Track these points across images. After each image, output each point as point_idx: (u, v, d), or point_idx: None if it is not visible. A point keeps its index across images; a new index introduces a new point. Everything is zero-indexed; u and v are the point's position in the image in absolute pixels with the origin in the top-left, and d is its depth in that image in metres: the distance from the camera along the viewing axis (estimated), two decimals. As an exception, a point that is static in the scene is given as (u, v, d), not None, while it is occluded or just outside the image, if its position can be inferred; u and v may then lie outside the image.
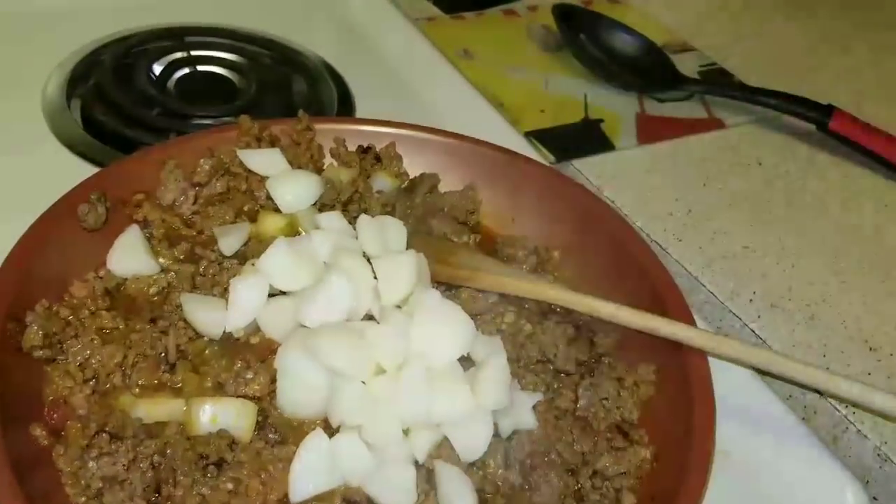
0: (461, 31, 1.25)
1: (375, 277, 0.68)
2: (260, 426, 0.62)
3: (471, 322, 0.66)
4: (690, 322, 0.70)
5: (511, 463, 0.64)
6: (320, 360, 0.60)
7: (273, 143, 0.83)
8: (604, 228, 0.80)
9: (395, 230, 0.76)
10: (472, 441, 0.61)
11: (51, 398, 0.62)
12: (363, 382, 0.62)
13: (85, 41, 1.08)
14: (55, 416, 0.61)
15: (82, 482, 0.57)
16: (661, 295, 0.73)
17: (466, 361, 0.67)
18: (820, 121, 1.07)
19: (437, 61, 1.15)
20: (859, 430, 0.75)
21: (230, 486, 0.57)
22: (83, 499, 0.57)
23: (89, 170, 0.86)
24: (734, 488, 0.68)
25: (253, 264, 0.69)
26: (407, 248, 0.76)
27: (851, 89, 1.20)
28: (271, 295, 0.69)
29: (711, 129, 1.11)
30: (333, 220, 0.76)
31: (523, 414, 0.66)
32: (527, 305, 0.76)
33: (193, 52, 1.08)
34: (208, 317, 0.66)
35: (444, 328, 0.64)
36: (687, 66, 1.22)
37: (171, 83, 1.04)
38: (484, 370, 0.64)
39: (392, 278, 0.68)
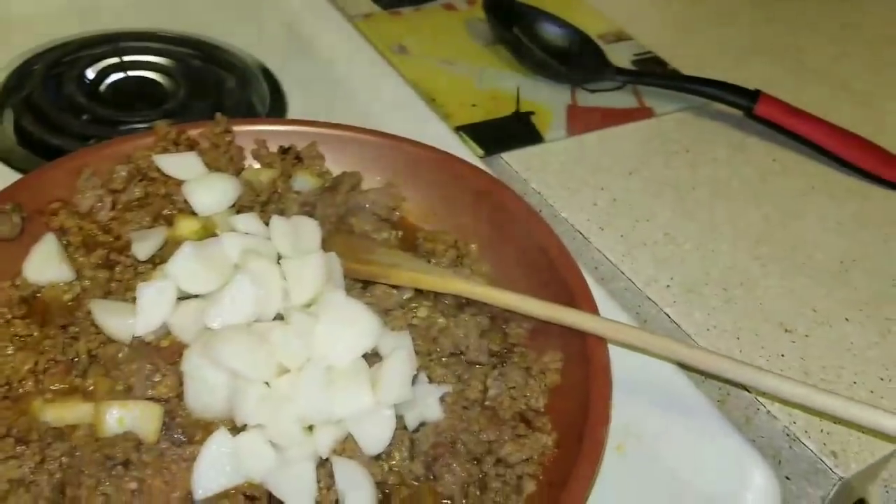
0: (398, 26, 1.26)
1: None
2: (167, 427, 0.64)
3: (376, 319, 0.67)
4: (593, 310, 0.72)
5: (416, 454, 0.65)
6: (219, 362, 0.62)
7: (191, 147, 0.85)
8: (517, 222, 0.81)
9: (308, 230, 0.77)
10: (375, 435, 0.63)
11: (-41, 405, 0.63)
12: (266, 383, 0.63)
13: (19, 51, 1.09)
14: (-37, 423, 0.62)
15: (-11, 486, 0.58)
16: (569, 285, 0.74)
17: (377, 357, 0.68)
18: (747, 106, 1.09)
19: (372, 58, 1.17)
20: (769, 411, 0.77)
21: (133, 485, 0.59)
22: (-10, 503, 0.58)
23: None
24: (645, 472, 0.70)
25: (162, 269, 0.70)
26: (324, 248, 0.78)
27: (786, 75, 1.23)
28: (184, 298, 0.70)
29: (642, 118, 1.13)
30: (248, 221, 0.77)
31: (430, 406, 0.68)
32: (444, 299, 0.78)
33: (126, 58, 1.09)
34: (118, 322, 0.68)
35: (347, 327, 0.66)
36: (622, 55, 1.23)
37: (103, 88, 1.05)
38: (386, 365, 0.65)
39: (300, 279, 0.70)
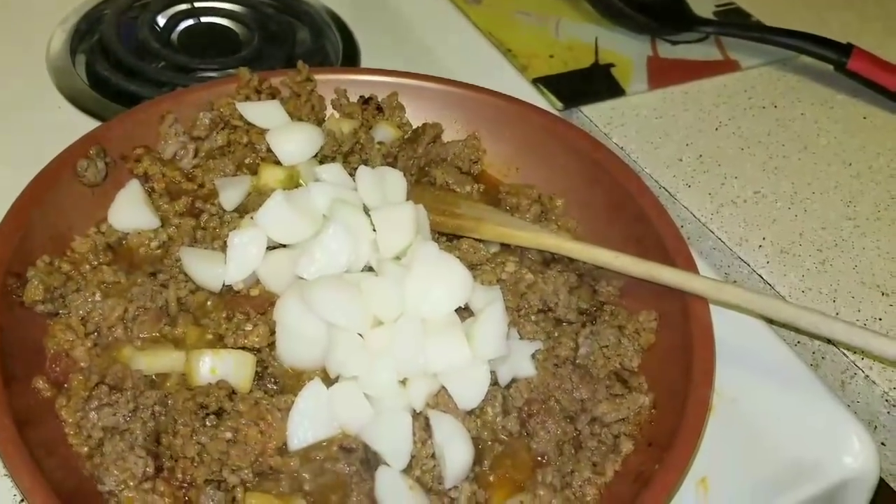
0: (470, -25, 1.22)
1: (374, 229, 0.68)
2: (259, 377, 0.63)
3: (468, 273, 0.65)
4: (693, 269, 0.69)
5: (509, 410, 0.64)
6: (317, 312, 0.60)
7: (273, 95, 0.83)
8: (608, 176, 0.78)
9: (394, 181, 0.75)
10: (469, 390, 0.61)
11: (53, 351, 0.63)
12: (360, 335, 0.62)
13: (88, -4, 1.07)
14: (57, 368, 0.62)
15: (84, 433, 0.58)
16: (664, 242, 0.72)
17: (466, 312, 0.67)
18: (838, 61, 1.04)
19: (445, 8, 1.14)
20: (867, 376, 0.75)
21: (229, 434, 0.58)
22: (85, 449, 0.58)
23: (94, 125, 0.86)
24: (741, 435, 0.68)
25: (252, 218, 0.69)
26: (408, 199, 0.76)
27: (874, 28, 1.17)
28: (271, 248, 0.69)
29: (726, 71, 1.08)
30: (333, 171, 0.75)
31: (522, 362, 0.66)
32: (529, 255, 0.76)
33: (197, 4, 1.07)
34: (207, 270, 0.67)
35: (440, 280, 0.64)
36: (703, 6, 1.18)
37: (174, 36, 1.03)
38: (480, 320, 0.63)
39: (390, 230, 0.68)
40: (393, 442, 0.58)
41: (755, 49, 1.10)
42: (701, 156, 0.94)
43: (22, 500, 0.58)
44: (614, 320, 0.71)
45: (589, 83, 1.04)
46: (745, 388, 0.70)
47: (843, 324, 0.63)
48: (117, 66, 0.96)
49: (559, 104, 1.00)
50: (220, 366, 0.61)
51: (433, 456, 0.59)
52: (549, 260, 0.76)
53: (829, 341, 0.76)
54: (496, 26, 1.11)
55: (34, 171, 0.71)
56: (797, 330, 0.71)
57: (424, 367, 0.61)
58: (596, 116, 0.99)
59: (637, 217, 0.75)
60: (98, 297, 0.66)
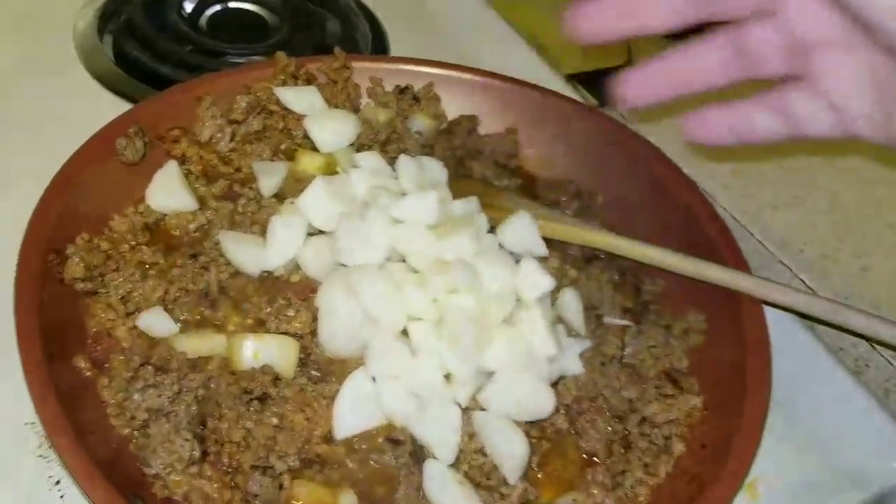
0: (501, -31, 1.21)
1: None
2: (302, 363, 0.61)
3: (517, 269, 0.64)
4: (744, 268, 0.68)
5: (558, 407, 0.62)
6: (360, 301, 0.59)
7: (309, 81, 0.81)
8: (650, 172, 0.77)
9: (435, 170, 0.74)
10: (529, 393, 0.60)
11: (94, 331, 0.61)
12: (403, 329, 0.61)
13: (115, -23, 1.05)
14: (99, 348, 0.60)
15: (127, 414, 0.56)
16: (713, 241, 0.70)
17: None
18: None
19: (476, 1, 1.12)
20: (911, 385, 0.73)
21: (275, 420, 0.56)
22: (128, 430, 0.56)
23: (123, 105, 0.85)
24: (783, 440, 0.66)
25: (291, 202, 0.67)
26: (448, 191, 0.74)
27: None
28: (311, 234, 0.67)
29: (759, 74, 1.07)
30: (372, 159, 0.74)
31: (570, 360, 0.64)
32: (570, 251, 0.75)
33: (226, -11, 1.05)
34: (247, 255, 0.65)
35: (492, 278, 0.63)
36: None
37: (202, 20, 1.01)
38: (532, 317, 0.62)
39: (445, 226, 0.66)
40: (441, 435, 0.57)
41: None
42: (740, 158, 0.93)
43: (58, 482, 0.56)
44: (660, 320, 0.69)
45: (623, 82, 1.02)
46: (789, 393, 0.69)
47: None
48: (147, 48, 0.94)
49: (594, 101, 0.99)
50: (263, 350, 0.60)
51: (482, 451, 0.57)
52: (590, 257, 0.74)
53: (875, 346, 0.75)
54: (528, 20, 1.10)
55: (65, 149, 0.69)
56: (851, 332, 0.69)
57: (477, 366, 0.59)
58: (630, 114, 0.97)
59: (682, 216, 0.73)
60: (137, 276, 0.64)
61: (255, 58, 0.94)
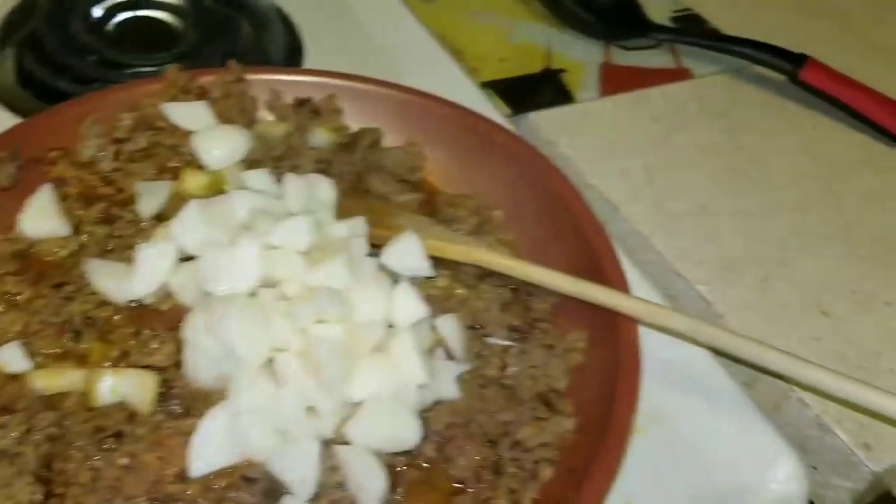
0: (424, -28, 1.19)
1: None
2: (163, 398, 0.60)
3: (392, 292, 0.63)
4: (625, 289, 0.67)
5: (428, 435, 0.61)
6: (218, 333, 0.57)
7: (202, 95, 0.79)
8: (546, 188, 0.76)
9: (324, 190, 0.72)
10: (397, 423, 0.59)
11: (-58, 369, 0.60)
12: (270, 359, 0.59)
13: (22, -15, 1.03)
14: (-54, 387, 0.58)
15: (-29, 456, 0.55)
16: (598, 260, 0.70)
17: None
18: (791, 71, 1.02)
19: (395, 6, 1.10)
20: (801, 399, 0.73)
21: (125, 460, 0.55)
22: (-28, 474, 0.55)
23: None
24: (667, 455, 0.66)
25: (165, 227, 0.66)
26: (340, 209, 0.73)
27: (828, 40, 1.15)
28: (188, 259, 0.66)
29: (679, 79, 1.06)
30: (260, 178, 0.72)
31: (445, 384, 0.63)
32: (465, 269, 0.74)
33: (136, -5, 1.03)
34: (114, 283, 0.64)
35: (364, 305, 0.62)
36: (659, 12, 1.16)
37: (110, 27, 0.99)
38: (401, 342, 0.61)
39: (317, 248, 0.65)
40: (299, 471, 0.56)
41: (709, 57, 1.08)
42: (648, 167, 0.92)
43: None
44: (545, 339, 0.69)
45: (538, 89, 1.02)
46: (677, 409, 0.69)
47: (771, 350, 0.61)
48: (46, 61, 0.91)
49: (507, 109, 0.98)
50: (120, 385, 0.58)
51: (341, 485, 0.57)
52: (485, 273, 0.73)
53: (760, 369, 0.75)
54: (448, 27, 1.08)
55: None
56: (727, 356, 0.69)
57: (342, 397, 0.58)
58: (544, 123, 0.97)
59: (574, 232, 0.73)
60: (1, 309, 0.62)
61: (164, 67, 0.92)
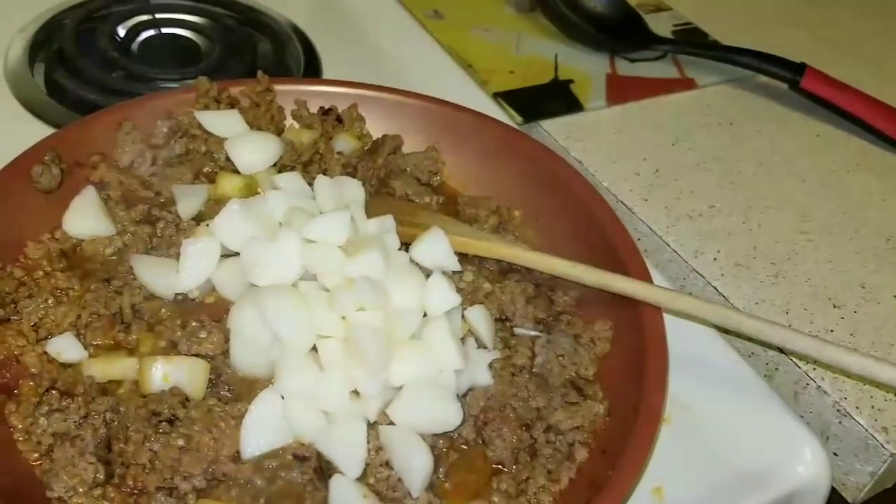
0: (432, -9, 1.24)
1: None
2: (213, 384, 0.62)
3: (426, 283, 0.66)
4: (647, 279, 0.70)
5: (466, 418, 0.64)
6: (266, 321, 0.60)
7: (232, 104, 0.83)
8: (565, 188, 0.79)
9: (352, 190, 0.76)
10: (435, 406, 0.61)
11: (2, 357, 0.62)
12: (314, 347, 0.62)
13: (48, 5, 1.07)
14: (7, 374, 0.61)
15: (34, 438, 0.57)
16: (619, 252, 0.73)
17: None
18: (792, 79, 1.06)
19: (406, 23, 1.15)
20: (819, 386, 0.76)
21: (181, 441, 0.57)
22: (35, 455, 0.57)
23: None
24: (695, 444, 0.68)
25: (207, 225, 0.69)
26: (367, 209, 0.76)
27: (826, 49, 1.20)
28: (228, 255, 0.69)
29: (683, 89, 1.10)
30: (291, 180, 0.75)
31: (479, 371, 0.66)
32: (487, 265, 0.77)
33: (158, 15, 1.07)
34: (160, 278, 0.66)
35: (400, 295, 0.64)
36: (661, 25, 1.21)
37: (134, 46, 1.03)
38: (439, 330, 0.63)
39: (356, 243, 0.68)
40: (346, 450, 0.58)
41: (712, 68, 1.13)
42: (657, 170, 0.96)
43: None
44: (570, 329, 0.71)
45: (548, 98, 1.05)
46: (700, 398, 0.71)
47: (791, 331, 0.64)
48: (75, 75, 0.95)
49: (519, 118, 1.01)
50: (172, 373, 0.61)
51: (387, 464, 0.59)
52: (507, 270, 0.76)
53: (780, 350, 0.78)
54: (457, 42, 1.12)
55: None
56: (749, 338, 0.72)
57: (385, 382, 0.61)
58: (555, 131, 1.00)
59: (592, 227, 0.76)
60: (51, 303, 0.65)
61: (188, 81, 0.95)
